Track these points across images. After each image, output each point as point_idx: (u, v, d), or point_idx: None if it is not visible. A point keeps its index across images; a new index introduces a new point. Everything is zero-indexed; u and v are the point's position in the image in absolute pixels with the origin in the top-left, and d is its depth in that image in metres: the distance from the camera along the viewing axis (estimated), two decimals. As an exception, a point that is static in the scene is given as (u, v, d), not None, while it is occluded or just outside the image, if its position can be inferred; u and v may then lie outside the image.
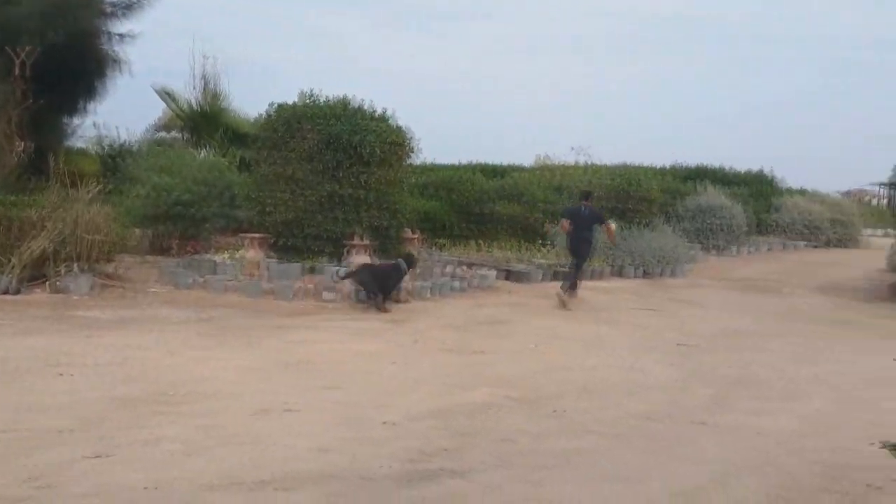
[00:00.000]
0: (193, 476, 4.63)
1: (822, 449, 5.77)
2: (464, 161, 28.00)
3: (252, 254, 12.51)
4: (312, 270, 12.52)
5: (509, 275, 14.68)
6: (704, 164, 29.19)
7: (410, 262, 11.86)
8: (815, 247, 25.49)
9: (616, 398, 6.92)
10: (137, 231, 14.63)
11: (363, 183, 13.02)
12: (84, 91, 19.13)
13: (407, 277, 11.75)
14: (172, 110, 22.77)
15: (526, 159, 31.60)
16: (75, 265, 10.92)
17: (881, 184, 40.23)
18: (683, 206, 23.38)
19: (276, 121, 13.25)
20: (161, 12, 21.94)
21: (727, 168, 29.02)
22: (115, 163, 19.35)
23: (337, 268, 12.11)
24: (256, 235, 12.79)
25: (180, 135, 22.81)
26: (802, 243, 25.48)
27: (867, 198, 42.62)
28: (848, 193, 38.98)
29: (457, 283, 12.94)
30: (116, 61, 19.04)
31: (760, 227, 25.82)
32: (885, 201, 40.52)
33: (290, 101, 13.60)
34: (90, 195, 11.73)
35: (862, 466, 5.27)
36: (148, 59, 37.01)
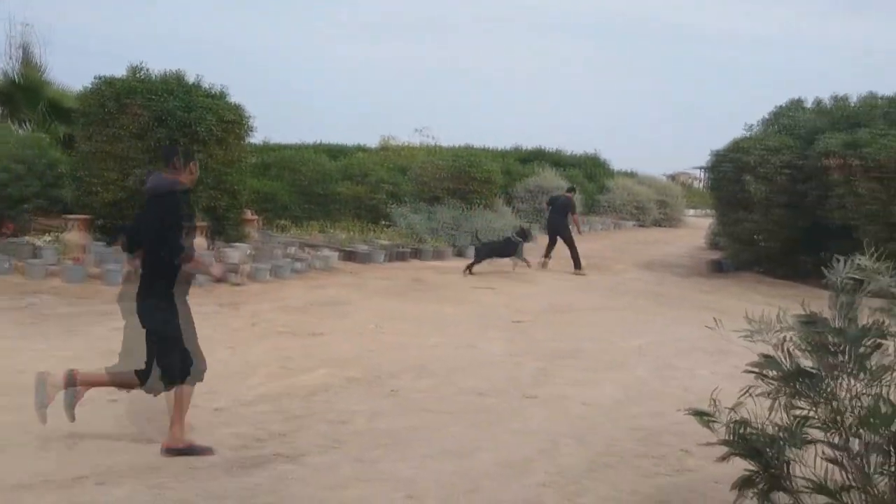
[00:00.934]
0: (3, 476, 4.33)
1: (643, 416, 6.14)
2: (307, 141, 27.63)
3: (76, 236, 11.78)
4: (144, 253, 11.96)
5: (352, 256, 14.62)
6: (542, 146, 30.23)
7: (525, 235, 14.71)
8: (643, 226, 27.03)
9: (452, 376, 7.06)
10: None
11: (199, 162, 12.54)
12: None
13: (525, 246, 14.59)
14: (-16, 81, 21.00)
15: (371, 140, 31.62)
16: None
17: (700, 167, 43.04)
18: (523, 186, 24.13)
19: (103, 95, 12.51)
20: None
21: (564, 151, 30.18)
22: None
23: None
24: (81, 217, 12.06)
25: (-6, 109, 21.07)
26: (631, 223, 26.96)
27: (689, 180, 45.53)
28: (673, 176, 41.44)
29: (298, 265, 12.76)
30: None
31: (594, 208, 27.06)
32: (704, 183, 43.37)
33: (118, 75, 12.92)
34: None
35: (676, 432, 5.62)
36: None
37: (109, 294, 10.03)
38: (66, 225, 12.16)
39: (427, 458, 4.94)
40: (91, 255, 11.51)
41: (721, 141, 16.38)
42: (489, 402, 6.31)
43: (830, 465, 3.27)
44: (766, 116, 17.41)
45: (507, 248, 14.52)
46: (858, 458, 3.14)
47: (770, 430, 3.34)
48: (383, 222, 18.12)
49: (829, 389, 3.19)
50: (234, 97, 13.46)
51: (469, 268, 14.08)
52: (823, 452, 3.26)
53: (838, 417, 3.18)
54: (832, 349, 3.18)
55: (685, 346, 8.60)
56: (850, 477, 3.18)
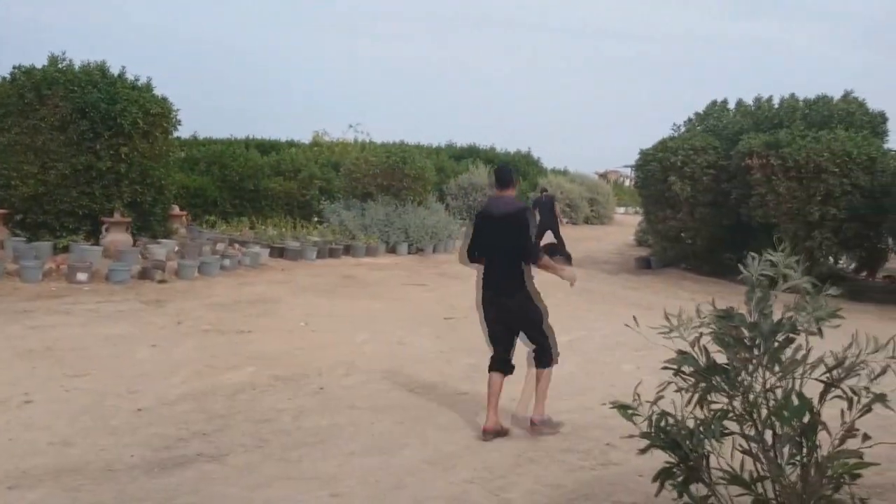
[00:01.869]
0: None
1: (571, 410, 6.19)
2: (238, 136, 27.17)
3: (-7, 232, 11.36)
4: (66, 249, 11.60)
5: (282, 253, 14.44)
6: (476, 144, 30.36)
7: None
8: (574, 224, 27.37)
9: (381, 373, 7.02)
10: None
11: (124, 156, 12.24)
12: None
13: None
14: None
15: (304, 136, 31.26)
16: None
17: (630, 166, 43.80)
18: (456, 183, 24.20)
19: (22, 86, 12.08)
20: None
21: (497, 148, 30.36)
22: None
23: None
24: (-2, 211, 11.63)
25: None
26: (565, 220, 27.27)
27: (620, 178, 46.32)
28: (603, 175, 42.10)
29: (226, 262, 12.53)
30: None
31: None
32: (633, 182, 44.18)
33: (39, 65, 12.49)
34: None
35: (602, 426, 5.70)
36: None
37: (27, 291, 9.72)
38: (-19, 220, 11.72)
39: (352, 455, 4.90)
40: (8, 251, 11.10)
41: (651, 140, 16.71)
42: (417, 399, 6.30)
43: (746, 457, 3.34)
44: (692, 117, 17.84)
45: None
46: (771, 450, 3.23)
47: (690, 423, 3.41)
48: (315, 219, 17.93)
49: (745, 383, 3.26)
50: (163, 90, 13.20)
51: None
52: (739, 445, 3.34)
53: (753, 410, 3.26)
54: (748, 343, 3.25)
55: (611, 341, 8.74)
56: (764, 468, 3.26)
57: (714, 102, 17.94)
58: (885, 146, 14.86)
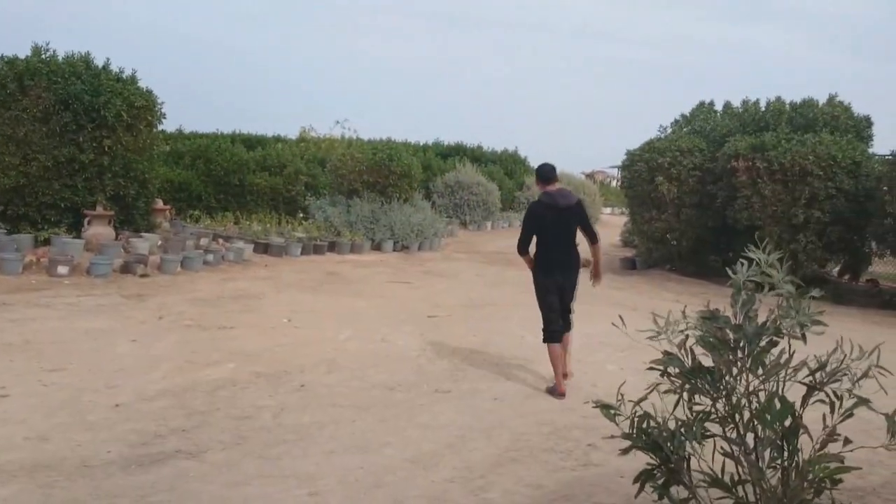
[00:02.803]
0: None
1: (553, 410, 6.17)
2: (225, 130, 27.03)
3: (-27, 223, 11.21)
4: (47, 242, 11.48)
5: (266, 248, 14.36)
6: (463, 142, 30.32)
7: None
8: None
9: (362, 370, 6.98)
10: None
11: (107, 149, 12.12)
12: None
13: None
14: None
15: (290, 131, 31.15)
16: None
17: (617, 166, 43.96)
18: (443, 181, 24.17)
19: (4, 76, 11.93)
20: None
21: (485, 147, 30.34)
22: None
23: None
24: (-22, 203, 11.48)
25: None
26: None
27: (606, 179, 46.44)
28: (590, 175, 42.18)
29: (210, 257, 12.44)
30: None
31: (513, 204, 27.32)
32: (620, 182, 44.37)
33: (21, 55, 12.34)
34: None
35: (584, 426, 5.68)
36: None
37: (7, 284, 9.60)
38: (-39, 211, 11.57)
39: (332, 453, 4.86)
40: (-12, 243, 10.96)
41: (638, 141, 16.73)
42: (398, 397, 6.26)
43: (728, 460, 3.33)
44: (679, 118, 17.89)
45: None
46: (753, 453, 3.21)
47: (672, 424, 3.39)
48: (300, 215, 17.87)
49: (729, 385, 3.24)
50: (148, 83, 13.08)
51: None
52: (721, 448, 3.32)
53: (736, 413, 3.24)
54: (732, 345, 3.23)
55: (595, 341, 8.72)
56: (745, 471, 3.25)
57: (701, 104, 18.00)
58: (870, 150, 14.95)
